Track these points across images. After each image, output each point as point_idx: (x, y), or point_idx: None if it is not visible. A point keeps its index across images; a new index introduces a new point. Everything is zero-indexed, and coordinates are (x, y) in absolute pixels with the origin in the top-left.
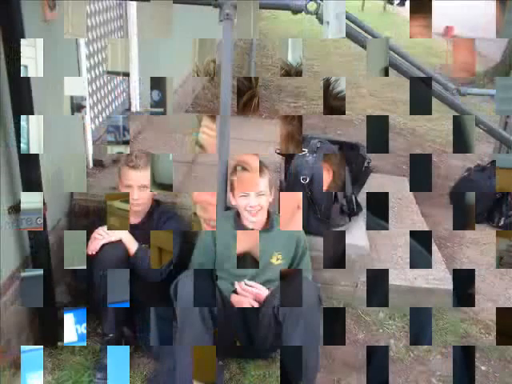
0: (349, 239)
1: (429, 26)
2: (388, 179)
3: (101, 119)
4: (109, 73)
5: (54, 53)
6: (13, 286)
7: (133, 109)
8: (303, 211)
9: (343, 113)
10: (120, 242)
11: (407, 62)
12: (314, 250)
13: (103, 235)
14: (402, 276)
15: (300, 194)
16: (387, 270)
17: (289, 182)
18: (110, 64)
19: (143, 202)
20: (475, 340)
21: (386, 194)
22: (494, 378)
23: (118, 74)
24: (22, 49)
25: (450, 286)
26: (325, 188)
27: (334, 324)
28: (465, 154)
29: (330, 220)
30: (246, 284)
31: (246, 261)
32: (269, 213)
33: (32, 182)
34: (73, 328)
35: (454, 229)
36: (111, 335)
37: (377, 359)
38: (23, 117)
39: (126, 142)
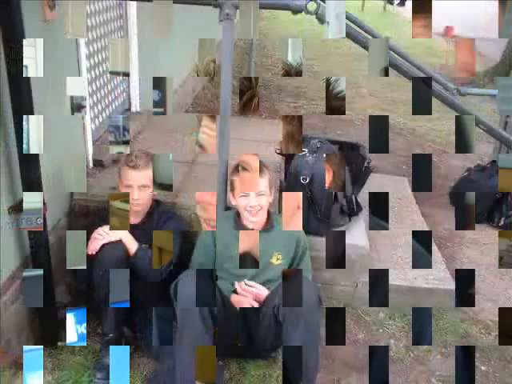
0: (349, 239)
1: (429, 26)
2: (388, 179)
3: (101, 119)
4: (111, 73)
5: (54, 53)
6: (13, 286)
7: (133, 109)
8: (303, 211)
9: (343, 113)
10: (120, 242)
11: (407, 62)
12: (314, 250)
13: (103, 235)
14: (401, 276)
15: (300, 194)
16: (387, 270)
17: (289, 182)
18: (111, 64)
19: (143, 202)
20: (475, 340)
21: (386, 193)
22: (493, 377)
23: (119, 74)
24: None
25: (449, 285)
26: (326, 186)
27: (334, 324)
28: (465, 154)
29: (330, 220)
30: (246, 284)
31: (246, 261)
32: (269, 213)
33: (32, 181)
34: (73, 328)
35: (456, 229)
36: (111, 335)
37: (377, 359)
38: (23, 117)
39: (126, 142)
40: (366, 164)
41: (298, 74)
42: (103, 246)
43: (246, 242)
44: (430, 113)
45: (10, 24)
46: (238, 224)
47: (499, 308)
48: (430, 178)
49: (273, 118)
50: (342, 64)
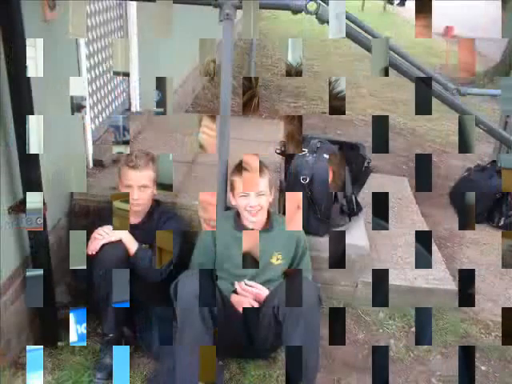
0: (349, 239)
1: (429, 26)
2: (388, 179)
3: (101, 119)
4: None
5: (54, 53)
6: (13, 286)
7: (133, 109)
8: (303, 211)
9: (343, 113)
10: (120, 242)
11: (407, 62)
12: (314, 250)
13: (103, 235)
14: (401, 276)
15: (300, 194)
16: (387, 270)
17: (289, 182)
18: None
19: (143, 202)
20: (475, 340)
21: (386, 193)
22: (494, 378)
23: (120, 74)
24: None
25: (449, 286)
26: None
27: (334, 324)
28: (465, 153)
29: (330, 220)
30: (246, 284)
31: (246, 261)
32: (269, 213)
33: (32, 181)
34: (73, 328)
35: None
36: (111, 335)
37: (377, 359)
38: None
39: (126, 142)
40: (366, 164)
41: (298, 73)
42: (103, 245)
43: (246, 242)
44: (430, 113)
45: (10, 24)
46: (238, 224)
47: (502, 308)
48: (430, 178)
49: (273, 117)
50: (342, 64)
